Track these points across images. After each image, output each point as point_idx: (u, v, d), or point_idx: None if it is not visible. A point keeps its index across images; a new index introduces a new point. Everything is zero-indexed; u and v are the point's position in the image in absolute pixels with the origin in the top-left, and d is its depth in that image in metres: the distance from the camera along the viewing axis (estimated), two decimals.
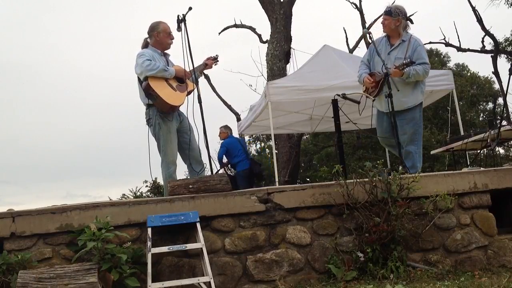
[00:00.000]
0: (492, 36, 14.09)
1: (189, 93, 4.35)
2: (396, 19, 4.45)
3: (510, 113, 11.83)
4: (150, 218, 3.26)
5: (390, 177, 3.57)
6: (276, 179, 7.49)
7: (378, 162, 3.75)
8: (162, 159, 4.29)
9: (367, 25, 15.12)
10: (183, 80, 4.36)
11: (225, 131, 8.40)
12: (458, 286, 3.06)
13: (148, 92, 4.14)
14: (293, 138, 10.53)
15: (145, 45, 4.42)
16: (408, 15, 4.55)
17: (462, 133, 7.22)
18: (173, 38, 4.43)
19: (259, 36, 13.52)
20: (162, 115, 4.23)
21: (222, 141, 8.43)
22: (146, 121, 4.34)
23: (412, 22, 4.57)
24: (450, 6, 31.56)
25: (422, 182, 3.61)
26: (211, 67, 4.63)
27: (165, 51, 4.48)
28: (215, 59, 4.65)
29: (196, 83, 4.39)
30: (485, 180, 3.85)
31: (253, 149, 21.79)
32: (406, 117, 4.42)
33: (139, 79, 4.26)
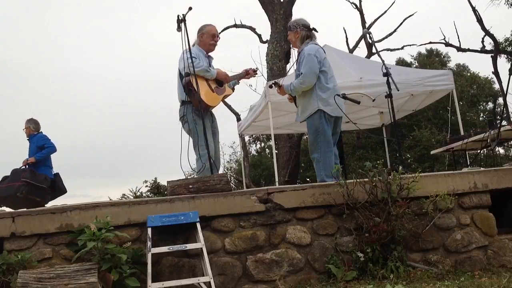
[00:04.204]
0: (492, 36, 14.10)
1: (225, 97, 4.67)
2: (295, 32, 4.54)
3: (510, 113, 11.83)
4: (150, 218, 3.26)
5: (390, 177, 3.57)
6: (276, 179, 7.49)
7: (378, 162, 3.74)
8: (201, 153, 4.32)
9: (367, 25, 15.13)
10: (222, 83, 4.58)
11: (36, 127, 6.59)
12: (458, 286, 3.06)
13: (187, 88, 4.24)
14: (293, 138, 10.53)
15: (193, 44, 4.54)
16: (310, 26, 4.54)
17: (462, 133, 7.22)
18: (217, 40, 4.65)
19: (259, 36, 13.52)
20: (197, 112, 4.32)
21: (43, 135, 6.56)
22: (180, 118, 4.44)
23: (316, 31, 4.56)
24: (450, 6, 31.56)
25: (422, 182, 3.61)
26: (249, 78, 4.88)
27: (209, 54, 4.67)
28: (255, 71, 4.91)
29: (232, 89, 4.76)
30: (485, 180, 3.85)
31: (253, 149, 21.80)
32: (308, 126, 4.49)
33: (180, 74, 4.39)
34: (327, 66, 4.47)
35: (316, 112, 4.36)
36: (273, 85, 4.63)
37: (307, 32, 4.52)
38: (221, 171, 7.89)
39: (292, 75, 7.98)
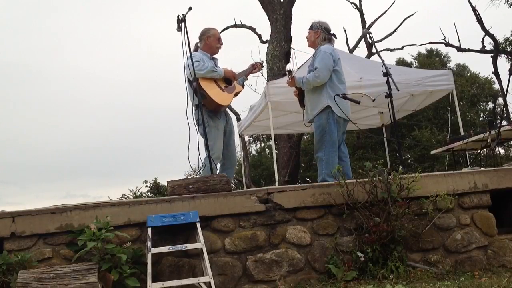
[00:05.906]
0: (492, 36, 14.10)
1: (236, 94, 4.73)
2: (316, 32, 4.63)
3: (510, 113, 11.83)
4: (150, 218, 3.26)
5: (390, 177, 3.57)
6: (276, 179, 7.48)
7: (378, 162, 3.74)
8: (207, 155, 4.34)
9: (367, 25, 15.14)
10: (231, 81, 4.66)
11: None
12: (458, 286, 3.06)
13: (197, 92, 4.26)
14: (293, 138, 10.53)
15: (195, 49, 4.65)
16: (331, 31, 4.66)
17: (462, 133, 7.21)
18: (222, 44, 4.74)
19: (259, 36, 13.53)
20: (210, 114, 4.43)
21: None
22: (196, 121, 4.50)
23: (335, 37, 4.67)
24: (450, 6, 31.56)
25: (422, 182, 3.61)
26: (257, 71, 4.97)
27: (214, 56, 4.74)
28: (261, 64, 5.00)
29: (242, 86, 4.84)
30: (485, 180, 3.85)
31: (253, 149, 21.81)
32: (315, 125, 4.52)
33: (189, 80, 4.43)
34: (340, 67, 4.55)
35: (325, 109, 4.40)
36: (287, 72, 4.69)
37: (326, 35, 4.62)
38: None
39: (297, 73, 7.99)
